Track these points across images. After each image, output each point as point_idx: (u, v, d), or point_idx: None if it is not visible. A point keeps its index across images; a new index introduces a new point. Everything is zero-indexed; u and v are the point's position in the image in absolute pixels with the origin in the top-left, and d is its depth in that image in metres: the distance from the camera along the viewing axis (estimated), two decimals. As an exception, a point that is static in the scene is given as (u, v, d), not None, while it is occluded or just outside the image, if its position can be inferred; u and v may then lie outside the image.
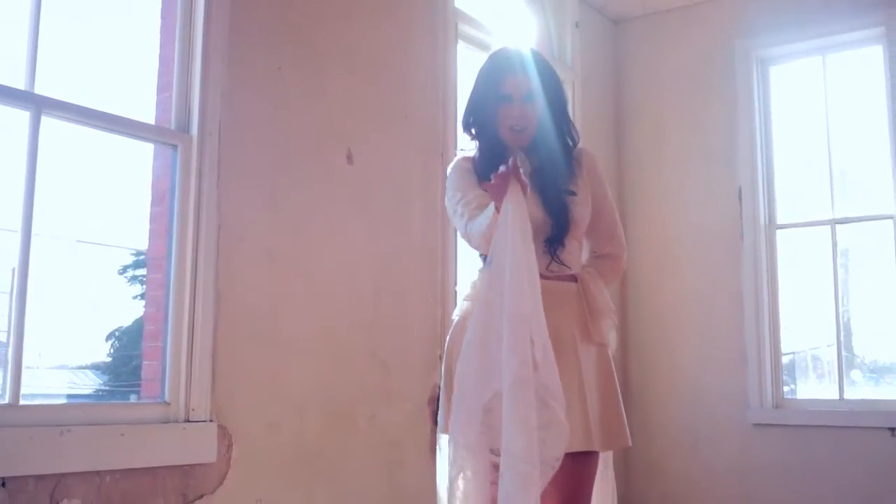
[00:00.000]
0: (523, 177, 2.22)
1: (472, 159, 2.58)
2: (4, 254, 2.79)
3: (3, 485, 2.53)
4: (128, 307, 3.59)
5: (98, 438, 2.77)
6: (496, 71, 2.47)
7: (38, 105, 2.79)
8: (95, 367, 3.72)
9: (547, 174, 2.43)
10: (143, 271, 3.52)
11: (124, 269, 3.63)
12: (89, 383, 3.62)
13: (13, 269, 2.79)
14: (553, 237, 2.38)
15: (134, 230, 3.42)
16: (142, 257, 3.49)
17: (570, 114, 2.60)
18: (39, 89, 2.81)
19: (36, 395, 2.80)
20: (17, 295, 2.71)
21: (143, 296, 3.62)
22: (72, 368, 3.46)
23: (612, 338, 2.48)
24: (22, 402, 2.67)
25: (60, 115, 2.88)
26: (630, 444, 2.41)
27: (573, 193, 2.42)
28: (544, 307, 2.31)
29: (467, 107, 2.56)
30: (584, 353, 2.37)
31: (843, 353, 5.03)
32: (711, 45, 5.45)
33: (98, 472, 2.76)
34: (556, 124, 2.48)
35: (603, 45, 5.72)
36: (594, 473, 2.34)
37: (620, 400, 2.41)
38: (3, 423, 2.58)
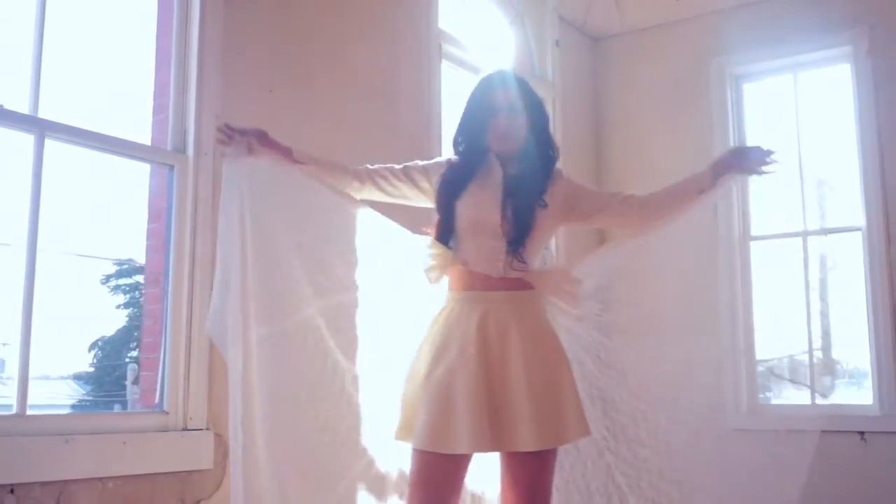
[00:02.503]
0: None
1: (450, 162, 2.70)
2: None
3: (12, 491, 2.66)
4: (111, 317, 3.68)
5: (101, 446, 2.90)
6: (487, 88, 2.65)
7: (42, 129, 2.93)
8: (78, 378, 3.80)
9: (521, 181, 2.57)
10: (126, 280, 3.61)
11: (107, 279, 3.72)
12: (73, 393, 3.70)
13: None
14: (514, 238, 2.50)
15: (132, 246, 3.54)
16: (125, 267, 3.58)
17: (552, 133, 2.74)
18: (43, 113, 2.95)
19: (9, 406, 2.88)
20: (23, 308, 2.84)
21: (126, 305, 3.71)
22: (54, 378, 3.54)
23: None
24: (28, 412, 2.79)
25: (63, 137, 3.01)
26: (571, 439, 2.49)
27: (544, 204, 2.56)
28: (494, 314, 2.47)
29: (459, 124, 2.70)
30: (531, 355, 2.44)
31: (815, 360, 5.19)
32: (688, 62, 5.63)
33: (101, 479, 2.89)
34: (539, 140, 2.64)
35: (583, 62, 5.89)
36: (551, 469, 2.46)
37: (568, 395, 2.46)
38: (11, 433, 2.72)
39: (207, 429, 3.22)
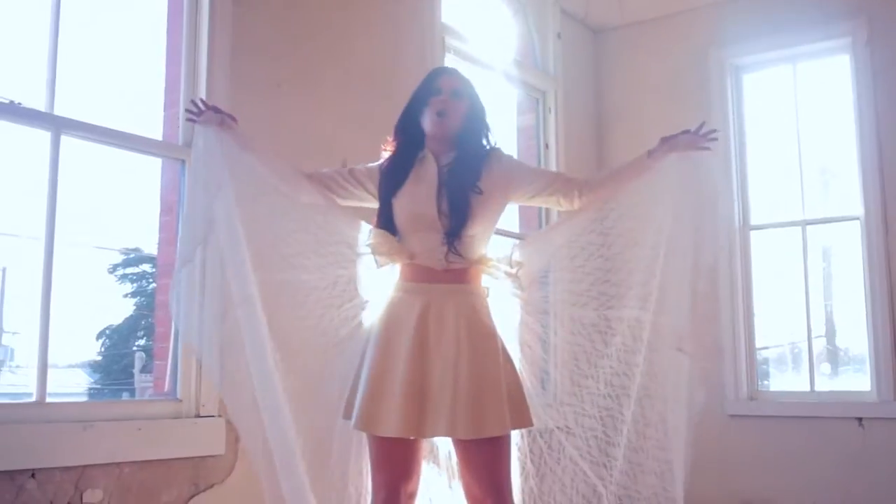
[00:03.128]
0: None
1: (381, 164, 2.73)
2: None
3: (33, 476, 2.77)
4: (119, 307, 3.77)
5: (117, 433, 3.01)
6: (432, 76, 2.74)
7: (58, 126, 3.02)
8: (86, 366, 3.87)
9: (455, 171, 2.62)
10: (133, 269, 3.69)
11: (114, 268, 3.81)
12: (81, 381, 3.79)
13: (3, 270, 2.93)
14: (451, 229, 2.55)
15: (143, 237, 3.63)
16: (132, 256, 3.66)
17: (489, 123, 2.76)
18: (59, 111, 3.04)
19: (27, 395, 2.96)
20: (42, 298, 2.94)
21: (133, 294, 3.78)
22: (62, 367, 3.61)
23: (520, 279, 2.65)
24: (48, 399, 2.89)
25: (78, 134, 3.10)
26: (504, 430, 2.47)
27: (479, 192, 2.59)
28: (435, 305, 2.51)
29: (403, 111, 2.75)
30: (465, 346, 2.48)
31: (814, 346, 5.28)
32: (688, 54, 5.69)
33: (118, 464, 3.00)
34: (474, 130, 2.69)
35: (584, 54, 5.96)
36: (506, 455, 2.52)
37: (502, 387, 2.48)
38: (32, 420, 2.83)
39: (219, 416, 3.32)
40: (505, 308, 2.72)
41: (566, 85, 5.63)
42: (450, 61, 4.78)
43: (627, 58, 5.97)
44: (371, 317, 2.66)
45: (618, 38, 6.02)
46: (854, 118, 5.15)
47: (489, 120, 2.74)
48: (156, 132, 3.49)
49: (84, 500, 2.89)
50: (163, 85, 3.57)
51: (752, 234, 5.47)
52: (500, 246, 2.76)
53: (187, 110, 2.68)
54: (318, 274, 2.68)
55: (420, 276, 2.57)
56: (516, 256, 2.67)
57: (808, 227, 5.34)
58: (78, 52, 3.17)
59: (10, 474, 2.73)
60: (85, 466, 2.90)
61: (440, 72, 2.76)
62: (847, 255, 5.29)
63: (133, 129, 3.30)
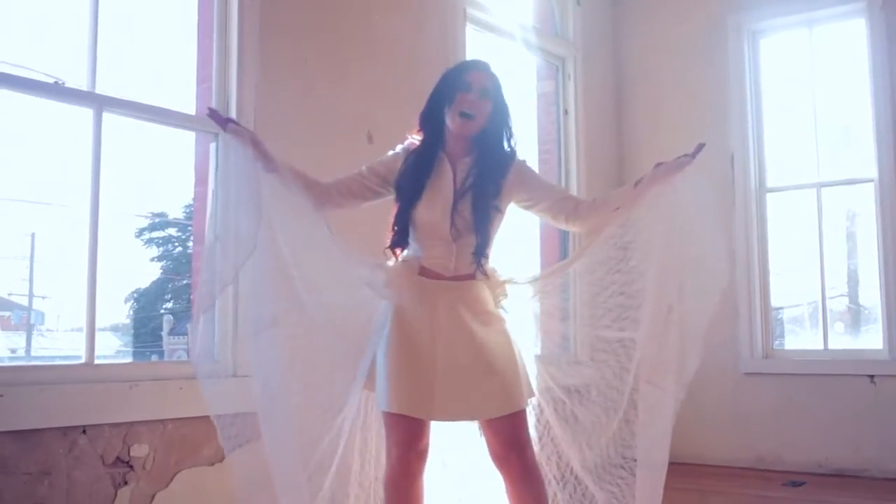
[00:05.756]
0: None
1: (406, 151, 2.77)
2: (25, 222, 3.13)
3: (84, 432, 2.99)
4: (145, 270, 3.93)
5: (161, 392, 3.22)
6: (462, 67, 2.77)
7: (100, 104, 3.19)
8: (115, 329, 4.04)
9: (480, 186, 2.63)
10: (159, 233, 3.85)
11: (140, 233, 3.97)
12: (111, 344, 3.97)
13: (32, 235, 3.06)
14: (478, 249, 2.63)
15: (175, 206, 3.80)
16: (158, 220, 3.82)
17: (513, 130, 2.76)
18: (100, 89, 3.21)
19: (56, 357, 3.14)
20: (88, 265, 3.14)
21: (160, 258, 3.95)
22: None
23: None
24: (96, 361, 3.10)
25: (118, 110, 3.28)
26: (522, 406, 2.61)
27: (499, 210, 2.67)
28: (447, 301, 2.61)
29: (428, 100, 2.73)
30: (481, 332, 2.61)
31: (829, 306, 5.41)
32: (705, 19, 5.76)
33: (162, 421, 3.21)
34: (496, 134, 2.71)
35: (603, 21, 6.04)
36: (524, 423, 2.64)
37: (517, 365, 2.64)
38: (83, 380, 3.04)
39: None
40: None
41: (585, 51, 5.72)
42: (470, 31, 4.89)
43: (646, 24, 6.04)
44: (387, 303, 2.71)
45: (636, 4, 6.09)
46: (869, 82, 5.23)
47: (511, 123, 2.73)
48: (189, 107, 3.66)
49: (131, 454, 3.12)
50: (195, 62, 3.72)
51: (769, 196, 5.58)
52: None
53: (210, 116, 2.64)
54: (343, 299, 2.74)
55: (430, 274, 2.67)
56: (507, 286, 2.75)
57: (824, 190, 5.44)
58: (116, 34, 3.32)
59: (64, 430, 2.94)
60: (132, 423, 3.12)
61: (472, 66, 2.74)
62: (863, 216, 5.39)
63: (168, 105, 3.46)
